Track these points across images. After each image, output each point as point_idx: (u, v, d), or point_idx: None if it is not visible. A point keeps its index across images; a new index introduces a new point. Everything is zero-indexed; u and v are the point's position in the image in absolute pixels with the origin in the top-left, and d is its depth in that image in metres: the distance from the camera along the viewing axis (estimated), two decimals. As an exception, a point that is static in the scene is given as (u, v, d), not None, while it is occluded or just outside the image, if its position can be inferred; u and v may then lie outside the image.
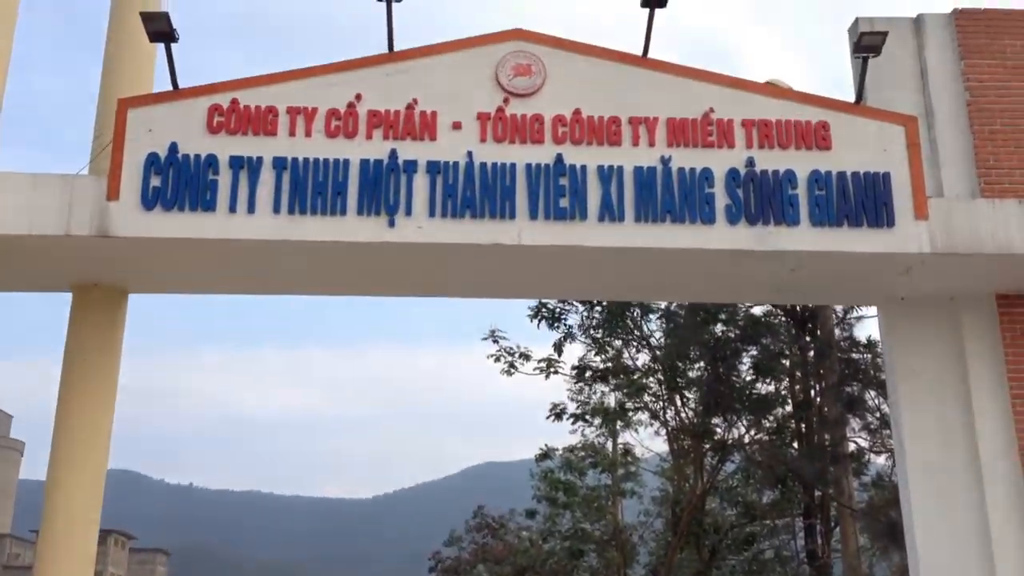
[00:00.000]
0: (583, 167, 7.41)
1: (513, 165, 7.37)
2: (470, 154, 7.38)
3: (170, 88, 7.47)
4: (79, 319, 7.87)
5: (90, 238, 7.05)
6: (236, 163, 7.21)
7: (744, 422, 19.00)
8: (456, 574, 34.39)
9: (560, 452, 26.80)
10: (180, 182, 7.13)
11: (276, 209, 7.15)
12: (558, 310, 19.79)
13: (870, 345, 16.98)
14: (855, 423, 17.59)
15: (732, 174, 7.50)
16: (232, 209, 7.13)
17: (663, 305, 19.18)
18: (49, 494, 7.50)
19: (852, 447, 18.05)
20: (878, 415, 16.72)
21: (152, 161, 7.16)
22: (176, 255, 7.40)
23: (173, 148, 7.20)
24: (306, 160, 7.26)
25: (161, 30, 7.26)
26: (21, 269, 7.54)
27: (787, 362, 18.88)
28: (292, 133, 7.33)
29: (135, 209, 7.07)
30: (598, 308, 19.71)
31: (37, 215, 7.02)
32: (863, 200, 7.47)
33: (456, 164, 7.34)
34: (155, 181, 7.13)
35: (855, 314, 18.09)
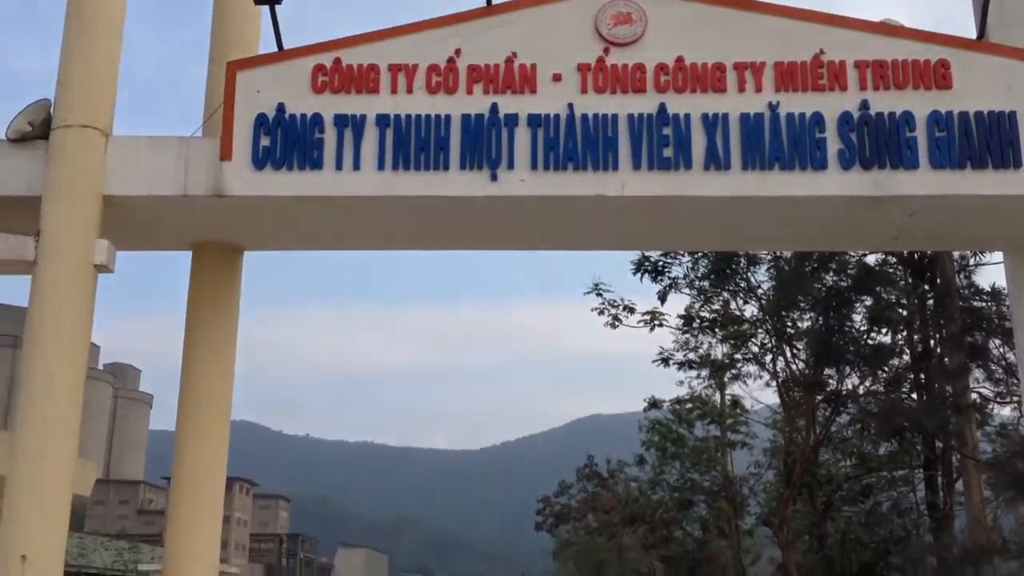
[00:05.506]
0: (687, 116, 7.25)
1: (615, 116, 7.26)
2: (571, 106, 7.30)
3: (275, 50, 7.61)
4: (199, 276, 8.17)
5: (206, 198, 7.29)
6: (340, 121, 7.32)
7: (858, 373, 18.53)
8: (563, 520, 34.87)
9: (667, 404, 26.73)
10: (288, 141, 7.28)
11: (380, 166, 7.24)
12: (661, 263, 19.56)
13: (994, 292, 16.29)
14: (978, 373, 16.98)
15: (845, 118, 7.21)
16: (338, 167, 7.25)
17: (771, 255, 18.74)
18: (179, 444, 7.85)
19: (975, 397, 17.45)
20: (1003, 364, 16.08)
21: (261, 122, 7.33)
22: (286, 212, 7.59)
23: (280, 108, 7.35)
24: (408, 116, 7.30)
25: (265, -8, 7.37)
26: (143, 229, 7.86)
27: (904, 311, 18.26)
28: (394, 90, 7.39)
29: (247, 169, 7.26)
30: (703, 259, 19.40)
31: (156, 177, 7.29)
32: (987, 140, 7.09)
33: (557, 116, 7.27)
34: (264, 141, 7.29)
35: (977, 260, 17.34)
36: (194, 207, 7.43)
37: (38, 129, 7.29)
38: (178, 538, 7.67)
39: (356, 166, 7.24)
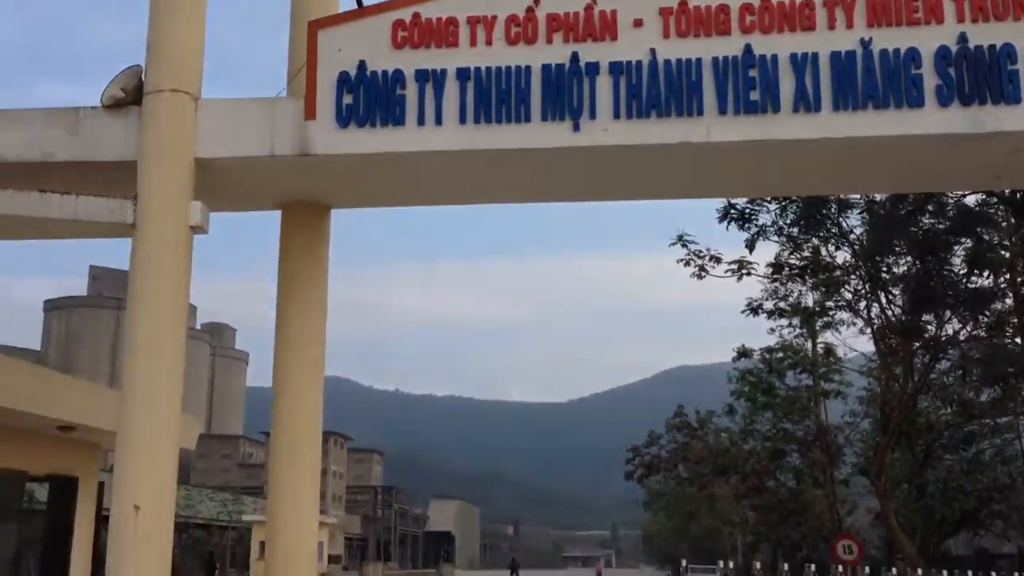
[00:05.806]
0: (774, 56, 7.03)
1: (699, 60, 7.08)
2: (653, 51, 7.15)
3: (355, 7, 7.62)
4: (288, 236, 8.33)
5: (292, 157, 7.40)
6: (421, 76, 7.32)
7: (958, 318, 17.96)
8: (653, 470, 34.93)
9: (758, 353, 26.37)
10: (370, 98, 7.32)
11: (462, 120, 7.23)
12: (748, 210, 19.15)
13: (1104, 231, 15.51)
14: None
15: (942, 52, 6.90)
16: (420, 122, 7.26)
17: (864, 199, 18.18)
18: (276, 400, 8.07)
19: (1083, 342, 16.74)
20: (1114, 307, 15.37)
21: (343, 80, 7.37)
22: (370, 169, 7.66)
23: (362, 66, 7.38)
24: (488, 69, 7.26)
25: (344, -50, 7.38)
26: (233, 191, 8.03)
27: (1006, 253, 17.57)
28: (473, 43, 7.34)
29: (331, 127, 7.34)
30: (792, 205, 18.94)
31: (244, 138, 7.43)
32: (1096, 70, 6.70)
33: (639, 63, 7.13)
34: (347, 99, 7.35)
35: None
36: (281, 167, 7.55)
37: (131, 95, 7.49)
38: (279, 490, 7.93)
39: (438, 121, 7.24)
